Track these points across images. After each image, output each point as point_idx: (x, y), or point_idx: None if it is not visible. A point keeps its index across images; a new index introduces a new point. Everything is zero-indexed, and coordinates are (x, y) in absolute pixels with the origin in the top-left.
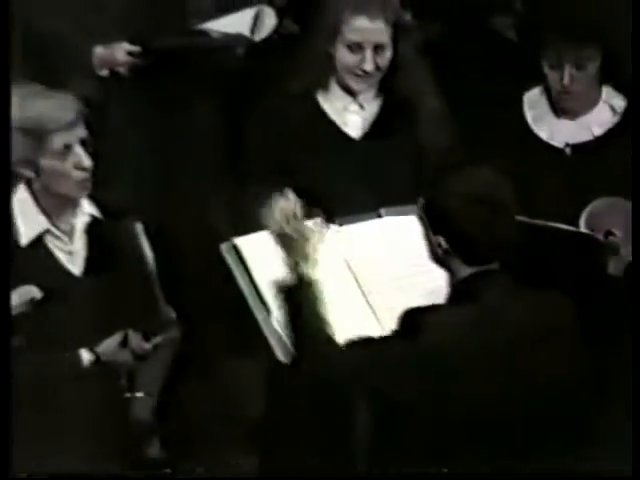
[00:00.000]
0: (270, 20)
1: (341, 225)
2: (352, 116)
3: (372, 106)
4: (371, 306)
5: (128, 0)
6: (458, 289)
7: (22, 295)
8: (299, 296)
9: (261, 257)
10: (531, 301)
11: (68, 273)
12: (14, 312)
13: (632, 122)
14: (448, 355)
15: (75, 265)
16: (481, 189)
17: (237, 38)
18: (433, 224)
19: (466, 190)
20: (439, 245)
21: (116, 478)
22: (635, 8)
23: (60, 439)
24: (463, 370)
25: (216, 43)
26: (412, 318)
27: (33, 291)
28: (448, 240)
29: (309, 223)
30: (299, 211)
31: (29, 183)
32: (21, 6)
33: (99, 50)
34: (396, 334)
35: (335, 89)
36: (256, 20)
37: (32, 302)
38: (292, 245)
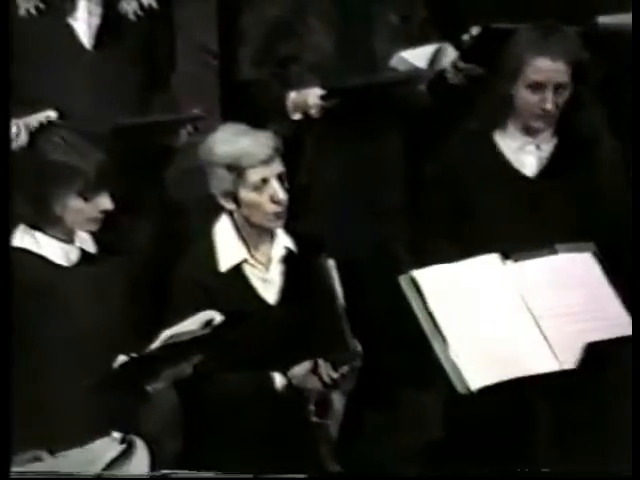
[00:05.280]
0: (448, 58)
1: (516, 261)
2: (528, 156)
3: (548, 145)
4: (547, 340)
5: (321, 47)
6: None
7: (201, 318)
8: None
9: (439, 289)
10: None
11: (262, 301)
12: (195, 335)
13: (632, 123)
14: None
15: (269, 294)
16: None
17: (416, 73)
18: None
19: None
20: None
21: None
22: (635, 8)
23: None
24: None
25: (399, 78)
26: (597, 351)
27: (212, 314)
28: None
29: None
30: None
31: (231, 214)
32: (226, 56)
33: (293, 95)
34: (578, 368)
35: (512, 129)
36: (435, 56)
37: (209, 325)
38: None
